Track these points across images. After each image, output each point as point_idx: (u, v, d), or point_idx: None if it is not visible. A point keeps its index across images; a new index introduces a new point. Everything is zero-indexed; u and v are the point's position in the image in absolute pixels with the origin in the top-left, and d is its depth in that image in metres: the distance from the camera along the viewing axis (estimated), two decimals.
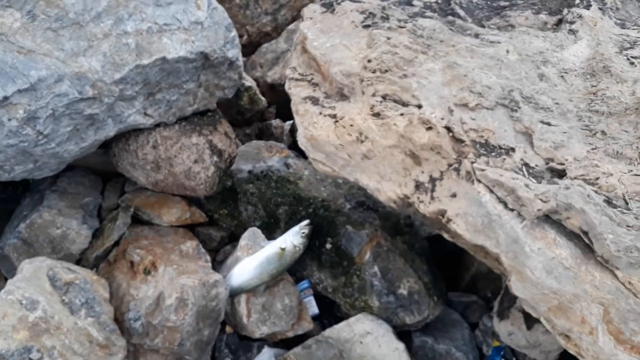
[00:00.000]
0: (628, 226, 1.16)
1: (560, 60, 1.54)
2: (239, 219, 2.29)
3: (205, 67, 1.94)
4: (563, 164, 1.31)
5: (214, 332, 1.87)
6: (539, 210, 1.19)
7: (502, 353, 2.11)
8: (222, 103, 2.79)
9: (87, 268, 1.90)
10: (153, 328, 1.75)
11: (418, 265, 2.15)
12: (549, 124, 1.39)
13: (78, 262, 1.97)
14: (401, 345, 1.96)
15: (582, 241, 1.21)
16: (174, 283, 1.78)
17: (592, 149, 1.33)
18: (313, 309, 2.19)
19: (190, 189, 2.02)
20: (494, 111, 1.40)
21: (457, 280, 2.57)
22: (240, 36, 3.63)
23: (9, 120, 1.42)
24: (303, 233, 2.01)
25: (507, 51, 1.54)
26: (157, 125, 1.94)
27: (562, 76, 1.50)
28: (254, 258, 1.98)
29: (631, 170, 1.26)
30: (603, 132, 1.36)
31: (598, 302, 1.18)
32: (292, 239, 1.98)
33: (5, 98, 1.39)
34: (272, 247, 1.99)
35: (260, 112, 3.15)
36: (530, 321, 1.84)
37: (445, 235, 1.40)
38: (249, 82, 3.09)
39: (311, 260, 2.18)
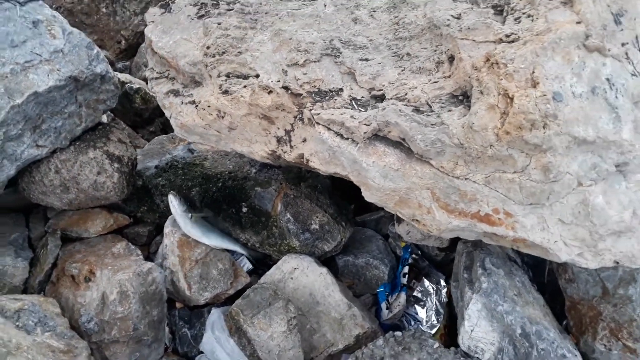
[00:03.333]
0: (432, 125, 1.48)
1: (370, 1, 1.82)
2: (159, 211, 2.52)
3: (79, 88, 2.11)
4: (381, 90, 1.61)
5: (162, 310, 2.13)
6: (365, 133, 1.50)
7: (409, 250, 2.49)
8: (118, 110, 2.96)
9: (33, 294, 2.09)
10: (106, 323, 1.99)
11: (322, 201, 2.46)
12: (366, 59, 1.68)
13: (25, 292, 2.17)
14: (324, 269, 2.29)
15: (404, 146, 1.53)
16: (112, 281, 2.02)
17: (401, 70, 1.64)
18: (247, 265, 2.48)
19: (103, 199, 2.23)
20: (321, 62, 1.67)
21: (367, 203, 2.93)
22: (118, 42, 3.73)
23: None
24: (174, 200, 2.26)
25: (325, 5, 1.80)
26: (54, 151, 2.11)
27: (371, 15, 1.78)
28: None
29: (430, 80, 1.58)
30: (408, 54, 1.67)
31: (425, 188, 1.52)
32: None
33: None
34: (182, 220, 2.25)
35: (157, 107, 3.31)
36: None
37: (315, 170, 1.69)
38: (137, 84, 3.24)
39: (233, 226, 2.45)
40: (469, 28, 1.56)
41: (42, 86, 1.92)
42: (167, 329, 2.26)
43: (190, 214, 2.26)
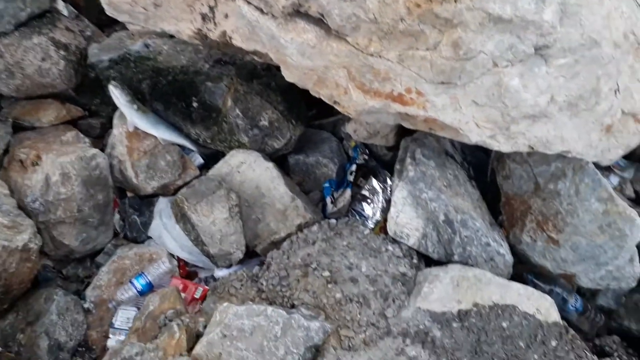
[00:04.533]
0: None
1: None
2: (111, 104, 2.53)
3: None
4: None
5: (107, 196, 2.21)
6: (283, 7, 1.48)
7: (358, 149, 2.54)
8: (82, 7, 2.90)
9: None
10: (51, 204, 2.07)
11: (273, 98, 2.47)
12: None
13: None
14: (270, 164, 2.35)
15: (324, 24, 1.52)
16: (55, 164, 2.08)
17: None
18: (198, 160, 2.54)
19: (50, 86, 2.24)
20: None
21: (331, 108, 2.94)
22: None
23: None
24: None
25: None
26: None
27: None
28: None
29: None
30: None
31: (342, 67, 1.53)
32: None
33: None
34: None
35: None
36: None
37: (240, 55, 1.69)
38: None
39: (183, 120, 2.48)
40: None
41: None
42: (117, 215, 2.35)
43: (135, 104, 2.28)
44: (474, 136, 1.54)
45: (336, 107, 1.60)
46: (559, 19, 1.50)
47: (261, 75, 2.58)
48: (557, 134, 1.65)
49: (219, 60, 2.58)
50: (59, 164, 2.06)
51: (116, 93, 2.26)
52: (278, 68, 2.63)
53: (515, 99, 1.51)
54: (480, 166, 2.46)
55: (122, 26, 3.33)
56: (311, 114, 2.78)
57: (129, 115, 2.29)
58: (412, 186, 1.94)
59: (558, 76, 1.57)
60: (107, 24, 3.26)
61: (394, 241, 2.00)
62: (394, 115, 1.59)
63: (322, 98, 1.62)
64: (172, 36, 2.65)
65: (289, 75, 1.60)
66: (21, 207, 2.08)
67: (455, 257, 1.97)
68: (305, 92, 2.65)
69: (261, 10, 1.53)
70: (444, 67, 1.44)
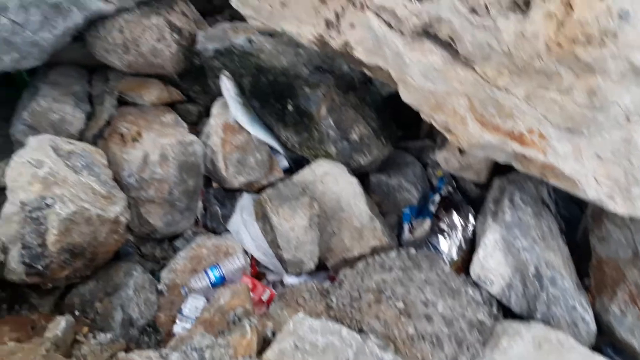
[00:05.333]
0: (484, 28, 1.42)
1: None
2: (211, 94, 2.60)
3: None
4: None
5: (197, 183, 2.26)
6: (414, 25, 1.45)
7: (444, 180, 2.46)
8: None
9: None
10: (145, 182, 2.14)
11: (367, 114, 2.45)
12: None
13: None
14: (354, 180, 2.32)
15: (451, 48, 1.48)
16: (155, 143, 2.14)
17: None
18: (284, 163, 2.55)
19: (159, 67, 2.33)
20: None
21: (417, 132, 2.90)
22: None
23: None
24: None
25: None
26: (120, 11, 2.20)
27: None
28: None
29: None
30: None
31: (464, 95, 1.47)
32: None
33: None
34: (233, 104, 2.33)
35: None
36: None
37: (357, 67, 1.67)
38: None
39: (277, 122, 2.50)
40: None
41: None
42: (200, 203, 2.40)
43: (241, 98, 2.32)
44: (591, 192, 1.44)
45: (447, 134, 1.55)
46: None
47: (358, 88, 2.57)
48: None
49: (319, 67, 2.59)
50: (159, 144, 2.12)
51: (227, 84, 2.31)
52: (371, 81, 2.66)
53: None
54: (572, 221, 2.32)
55: (224, 16, 3.43)
56: (398, 135, 2.73)
57: (234, 109, 2.33)
58: (507, 231, 1.84)
59: None
60: (210, 13, 3.37)
61: (475, 285, 1.91)
62: (508, 154, 1.52)
63: (434, 123, 1.57)
64: (271, 35, 2.71)
65: (406, 95, 1.56)
66: (116, 179, 2.15)
67: (537, 315, 1.85)
68: (394, 112, 2.65)
69: (390, 25, 1.51)
70: (574, 113, 1.36)
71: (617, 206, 1.49)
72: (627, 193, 1.47)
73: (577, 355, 1.72)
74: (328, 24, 1.67)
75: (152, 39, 2.22)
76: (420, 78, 1.50)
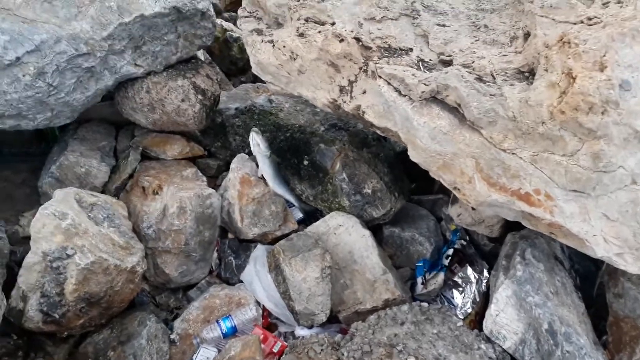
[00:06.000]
0: (490, 95, 1.49)
1: None
2: (230, 149, 2.71)
3: (180, 19, 2.32)
4: (450, 56, 1.63)
5: (213, 234, 2.32)
6: (422, 92, 1.54)
7: (458, 234, 2.49)
8: (216, 55, 3.18)
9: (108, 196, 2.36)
10: (162, 233, 2.21)
11: (380, 169, 2.52)
12: (443, 25, 1.71)
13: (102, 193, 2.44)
14: (367, 232, 2.36)
15: (458, 113, 1.55)
16: (175, 196, 2.23)
17: (475, 40, 1.65)
18: (298, 215, 2.61)
19: (182, 125, 2.44)
20: (398, 21, 1.73)
21: (430, 185, 2.95)
22: None
23: (24, 76, 1.86)
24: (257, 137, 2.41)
25: None
26: (148, 73, 2.34)
27: None
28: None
29: (501, 53, 1.58)
30: (485, 26, 1.67)
31: (471, 157, 1.53)
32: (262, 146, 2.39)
33: (18, 59, 1.83)
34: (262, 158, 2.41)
35: None
36: None
37: (372, 129, 1.75)
38: (237, 33, 3.45)
39: (292, 175, 2.59)
40: (551, 6, 1.54)
41: (149, 10, 2.13)
42: (215, 254, 2.45)
43: (269, 153, 2.41)
44: (600, 250, 1.46)
45: (456, 192, 1.60)
46: None
47: (371, 145, 2.65)
48: None
49: (334, 124, 2.69)
50: (178, 198, 2.20)
51: (257, 139, 2.41)
52: (385, 138, 2.74)
53: None
54: (588, 277, 2.31)
55: (247, 77, 3.62)
56: (411, 188, 2.78)
57: (262, 162, 2.42)
58: (519, 287, 1.85)
59: None
60: (234, 74, 3.55)
61: (488, 340, 1.90)
62: (516, 212, 1.56)
63: (443, 182, 1.63)
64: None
65: (414, 156, 1.63)
66: (136, 230, 2.23)
67: None
68: (408, 165, 2.71)
69: (399, 92, 1.60)
70: (579, 176, 1.41)
71: (628, 265, 1.50)
72: (637, 252, 1.49)
73: None
74: (342, 89, 1.77)
75: (177, 99, 2.34)
76: (428, 140, 1.56)
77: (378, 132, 1.78)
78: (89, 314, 1.92)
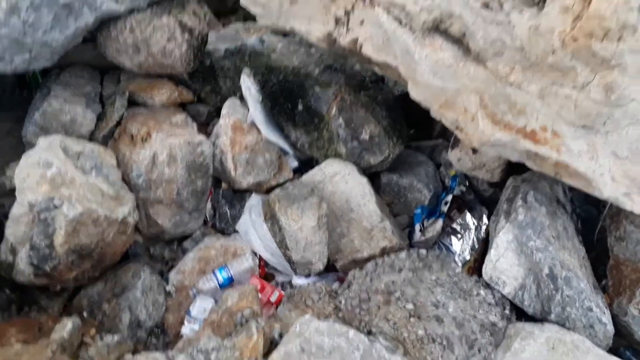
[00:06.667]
0: (497, 23, 1.38)
1: None
2: (221, 94, 2.60)
3: None
4: None
5: (206, 183, 2.25)
6: (425, 21, 1.42)
7: (457, 180, 2.42)
8: None
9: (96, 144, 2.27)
10: (153, 182, 2.14)
11: (378, 112, 2.42)
12: None
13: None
14: (364, 180, 2.29)
15: (462, 44, 1.44)
16: (164, 143, 2.14)
17: None
18: (293, 163, 2.53)
19: (169, 67, 2.32)
20: None
21: (430, 131, 2.86)
22: None
23: None
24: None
25: None
26: (131, 11, 2.20)
27: None
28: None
29: None
30: None
31: (475, 92, 1.44)
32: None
33: None
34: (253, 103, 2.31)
35: None
36: None
37: (366, 65, 1.65)
38: None
39: (286, 121, 2.49)
40: None
41: None
42: (209, 204, 2.39)
43: (261, 97, 2.30)
44: (607, 191, 1.39)
45: (457, 133, 1.51)
46: None
47: (369, 88, 2.54)
48: None
49: (330, 66, 2.57)
50: (167, 145, 2.12)
51: (248, 82, 2.29)
52: (383, 80, 2.63)
53: None
54: (589, 221, 2.26)
55: (238, 17, 3.43)
56: (410, 134, 2.69)
57: (253, 107, 2.32)
58: (520, 231, 1.80)
59: None
60: (224, 14, 3.37)
61: (488, 286, 1.87)
62: (521, 152, 1.48)
63: (444, 122, 1.54)
64: (285, 35, 2.70)
65: (415, 93, 1.54)
66: (125, 180, 2.16)
67: (552, 317, 1.80)
68: (407, 111, 2.61)
69: (400, 22, 1.48)
70: (589, 110, 1.32)
71: (635, 205, 1.44)
72: None
73: (593, 357, 1.68)
74: (337, 21, 1.65)
75: (162, 39, 2.21)
76: (430, 75, 1.47)
77: (377, 69, 1.67)
78: (80, 266, 1.87)
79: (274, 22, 1.82)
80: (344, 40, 1.63)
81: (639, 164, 1.39)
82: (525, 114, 1.39)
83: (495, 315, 1.78)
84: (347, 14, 1.61)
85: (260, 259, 2.21)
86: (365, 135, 2.35)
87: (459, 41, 1.45)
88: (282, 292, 2.08)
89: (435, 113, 1.55)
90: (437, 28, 1.46)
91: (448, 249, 2.29)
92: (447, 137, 2.72)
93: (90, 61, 2.50)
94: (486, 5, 1.39)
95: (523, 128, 1.41)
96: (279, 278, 2.25)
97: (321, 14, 1.66)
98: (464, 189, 2.44)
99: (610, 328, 1.86)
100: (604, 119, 1.34)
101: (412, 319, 1.73)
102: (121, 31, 2.20)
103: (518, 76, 1.37)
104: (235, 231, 2.32)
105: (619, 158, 1.39)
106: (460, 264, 2.19)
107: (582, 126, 1.36)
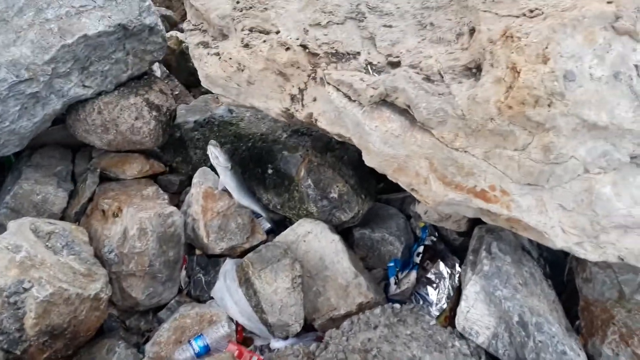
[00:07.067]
0: (439, 94, 1.48)
1: None
2: (192, 163, 2.66)
3: (127, 36, 2.26)
4: (398, 57, 1.61)
5: (178, 253, 2.27)
6: (371, 96, 1.51)
7: (427, 231, 2.48)
8: (174, 67, 3.12)
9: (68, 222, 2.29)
10: (125, 256, 2.15)
11: (345, 171, 2.49)
12: (390, 26, 1.69)
13: (62, 220, 2.37)
14: (336, 237, 2.33)
15: (409, 114, 1.53)
16: (134, 218, 2.17)
17: (422, 39, 1.63)
18: (266, 225, 2.57)
19: (139, 143, 2.38)
20: (344, 25, 1.70)
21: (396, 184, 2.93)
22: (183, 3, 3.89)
23: None
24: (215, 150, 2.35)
25: None
26: (99, 94, 2.28)
27: None
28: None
29: (448, 50, 1.56)
30: (431, 24, 1.66)
31: (424, 158, 1.51)
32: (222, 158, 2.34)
33: None
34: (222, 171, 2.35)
35: None
36: None
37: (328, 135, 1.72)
38: None
39: (257, 185, 2.55)
40: (493, 1, 1.53)
41: (93, 30, 2.07)
42: (184, 272, 2.40)
43: (230, 165, 2.36)
44: (560, 242, 1.46)
45: (414, 194, 1.58)
46: None
47: (335, 149, 2.62)
48: None
49: (297, 130, 2.66)
50: (138, 219, 2.15)
51: (215, 152, 2.35)
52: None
53: (606, 207, 1.43)
54: (557, 263, 2.32)
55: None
56: (379, 187, 2.77)
57: (223, 175, 2.37)
58: (486, 282, 1.85)
59: None
60: (194, 85, 3.49)
61: (462, 337, 1.90)
62: (474, 210, 1.55)
63: (400, 184, 1.61)
64: None
65: (369, 160, 1.61)
66: (97, 255, 2.17)
67: None
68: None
69: (349, 98, 1.57)
70: (532, 170, 1.40)
71: (588, 253, 1.51)
72: (595, 240, 1.49)
73: None
74: (293, 98, 1.73)
75: (130, 118, 2.28)
76: (381, 145, 1.54)
77: (335, 137, 1.75)
78: (53, 346, 1.86)
79: (234, 100, 1.90)
80: (301, 115, 1.72)
81: (585, 215, 1.46)
82: (474, 175, 1.47)
83: None
84: (301, 91, 1.70)
85: (237, 324, 2.21)
86: (334, 194, 2.41)
87: (406, 111, 1.54)
88: (261, 357, 2.07)
89: (390, 177, 1.62)
90: (384, 101, 1.54)
91: (425, 299, 2.32)
92: None
93: (61, 141, 2.56)
94: (428, 79, 1.49)
95: (473, 188, 1.48)
96: (257, 342, 2.24)
97: (277, 93, 1.75)
98: (434, 239, 2.49)
99: None
100: (547, 176, 1.42)
101: None
102: (89, 113, 2.26)
103: (462, 142, 1.45)
104: (211, 298, 2.32)
105: (566, 210, 1.46)
106: (437, 314, 2.22)
107: (528, 184, 1.44)
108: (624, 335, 1.93)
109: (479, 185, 1.48)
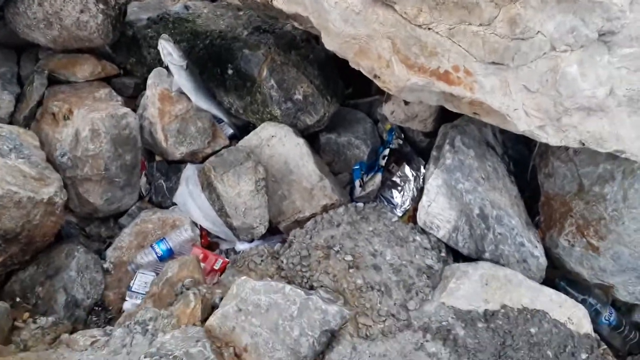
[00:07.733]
0: None
1: None
2: (146, 64, 2.50)
3: None
4: None
5: (136, 157, 2.18)
6: None
7: (393, 133, 2.44)
8: None
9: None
10: (79, 159, 2.06)
11: (310, 71, 2.39)
12: None
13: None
14: (301, 140, 2.27)
15: None
16: (85, 119, 2.05)
17: None
18: (229, 130, 2.49)
19: (87, 40, 2.21)
20: None
21: (368, 88, 2.85)
22: None
23: None
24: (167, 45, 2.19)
25: None
26: None
27: None
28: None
29: None
30: None
31: (386, 37, 1.43)
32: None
33: None
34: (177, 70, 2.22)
35: None
36: None
37: (283, 20, 1.60)
38: None
39: (217, 87, 2.43)
40: None
41: None
42: (144, 178, 2.32)
43: (185, 63, 2.21)
44: (522, 125, 1.43)
45: (376, 81, 1.51)
46: (629, 3, 1.36)
47: (300, 47, 2.50)
48: (613, 131, 1.51)
49: (258, 27, 2.51)
50: (89, 120, 2.03)
51: (168, 48, 2.18)
52: (317, 39, 2.59)
53: (571, 87, 1.39)
54: (521, 161, 2.33)
55: None
56: (347, 92, 2.69)
57: (177, 75, 2.23)
58: (448, 175, 1.83)
59: (621, 67, 1.44)
60: None
61: (423, 231, 1.91)
62: (438, 94, 1.49)
63: (362, 70, 1.53)
64: (212, 0, 2.62)
65: (329, 43, 1.51)
66: (50, 160, 2.07)
67: (487, 255, 1.86)
68: (343, 69, 2.59)
69: None
70: (497, 46, 1.33)
71: (549, 137, 1.48)
72: (557, 123, 1.46)
73: (525, 289, 1.75)
74: None
75: (75, 10, 2.10)
76: (341, 23, 1.44)
77: (295, 23, 1.64)
78: (7, 251, 1.80)
79: None
80: None
81: (549, 96, 1.42)
82: (437, 55, 1.40)
83: (432, 258, 1.83)
84: None
85: (202, 229, 2.18)
86: (298, 96, 2.32)
87: None
88: (226, 259, 2.06)
89: (352, 62, 1.54)
90: None
91: (390, 202, 2.31)
92: (384, 92, 2.71)
93: (3, 40, 2.36)
94: None
95: (437, 69, 1.42)
96: (223, 246, 2.23)
97: None
98: (400, 142, 2.45)
99: (543, 261, 1.95)
100: (512, 54, 1.36)
101: (351, 270, 1.76)
102: (29, 5, 2.07)
103: (426, 17, 1.36)
104: (173, 204, 2.27)
105: (530, 92, 1.42)
106: (401, 215, 2.23)
107: (492, 62, 1.37)
108: (581, 227, 1.97)
109: (442, 66, 1.41)
